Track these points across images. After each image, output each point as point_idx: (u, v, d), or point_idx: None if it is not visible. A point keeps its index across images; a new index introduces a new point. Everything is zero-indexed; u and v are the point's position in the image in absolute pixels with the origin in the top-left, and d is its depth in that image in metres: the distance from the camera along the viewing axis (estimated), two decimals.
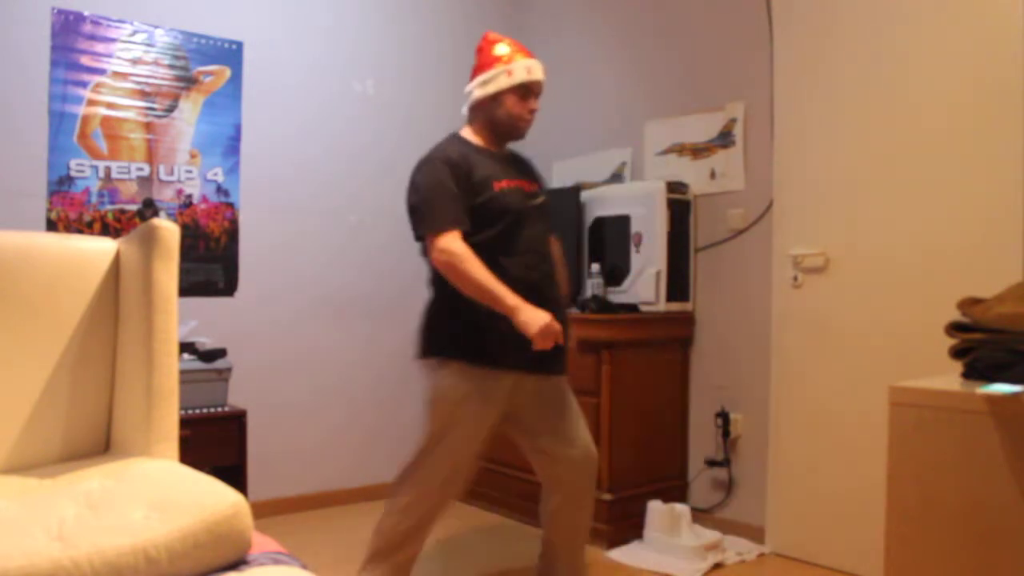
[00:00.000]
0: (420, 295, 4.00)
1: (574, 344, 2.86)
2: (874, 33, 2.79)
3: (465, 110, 2.35)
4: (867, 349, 2.79)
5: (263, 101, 3.48)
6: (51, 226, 2.99)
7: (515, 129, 2.30)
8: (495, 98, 2.25)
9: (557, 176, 4.10)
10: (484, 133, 2.31)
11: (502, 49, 2.28)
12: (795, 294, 3.02)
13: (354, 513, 3.57)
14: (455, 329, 2.22)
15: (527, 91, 2.27)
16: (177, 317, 1.75)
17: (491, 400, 2.21)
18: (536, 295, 2.16)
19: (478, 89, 2.27)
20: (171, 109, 3.25)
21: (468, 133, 2.32)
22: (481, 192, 2.18)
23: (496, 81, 2.24)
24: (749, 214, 3.21)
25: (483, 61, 2.30)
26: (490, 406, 2.21)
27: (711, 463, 3.30)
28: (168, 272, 1.73)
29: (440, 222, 2.12)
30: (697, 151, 3.41)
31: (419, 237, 2.19)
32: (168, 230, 1.75)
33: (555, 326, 2.08)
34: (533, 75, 2.26)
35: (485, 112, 2.28)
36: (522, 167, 2.41)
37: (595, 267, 3.31)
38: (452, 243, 2.10)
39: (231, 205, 3.41)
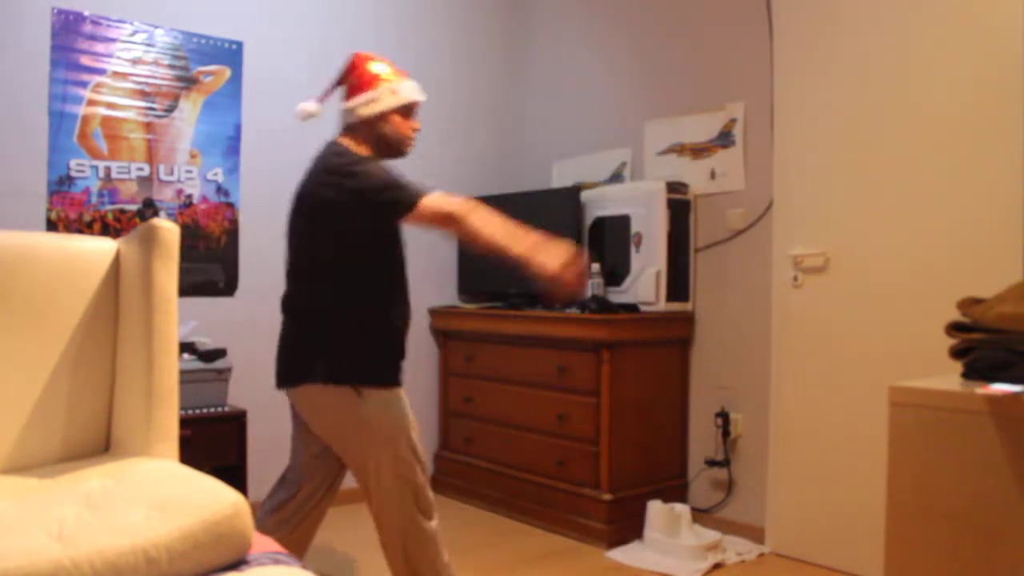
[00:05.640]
0: (418, 293, 4.03)
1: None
2: (874, 33, 2.80)
3: (343, 124, 2.30)
4: (867, 349, 2.79)
5: (263, 101, 3.48)
6: (51, 226, 2.99)
7: (402, 147, 2.27)
8: (381, 116, 2.23)
9: (557, 176, 4.10)
10: (370, 149, 2.26)
11: (381, 68, 2.26)
12: (795, 294, 3.02)
13: (354, 513, 3.55)
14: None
15: (410, 111, 2.27)
16: (177, 317, 1.75)
17: None
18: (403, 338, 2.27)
19: (364, 108, 2.23)
20: (171, 109, 3.25)
21: (353, 146, 2.25)
22: None
23: (383, 100, 2.22)
24: (749, 214, 3.21)
25: (363, 79, 2.26)
26: None
27: (711, 463, 3.30)
28: (168, 272, 1.74)
29: (419, 187, 2.09)
30: (697, 151, 3.41)
31: (408, 208, 2.08)
32: (168, 230, 1.75)
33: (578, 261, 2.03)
34: (417, 95, 2.26)
35: (370, 129, 2.24)
36: None
37: (595, 267, 3.31)
38: (445, 197, 2.08)
39: (231, 205, 3.41)
